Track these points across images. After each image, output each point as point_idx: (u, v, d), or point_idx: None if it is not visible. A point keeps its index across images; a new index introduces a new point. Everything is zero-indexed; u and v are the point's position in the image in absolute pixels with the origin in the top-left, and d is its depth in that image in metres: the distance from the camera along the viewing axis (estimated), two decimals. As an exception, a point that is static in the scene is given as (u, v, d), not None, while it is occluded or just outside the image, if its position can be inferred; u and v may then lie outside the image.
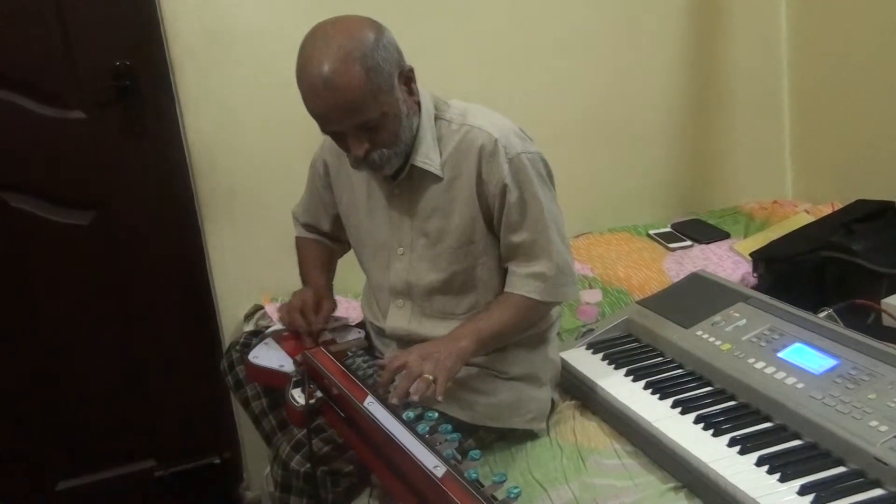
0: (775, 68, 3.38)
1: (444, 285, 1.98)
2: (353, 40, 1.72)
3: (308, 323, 2.05)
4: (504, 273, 1.99)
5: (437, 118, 1.93)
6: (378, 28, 1.78)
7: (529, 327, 2.01)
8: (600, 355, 2.25)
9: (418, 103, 1.90)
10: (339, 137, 1.82)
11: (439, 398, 1.70)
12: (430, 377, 1.71)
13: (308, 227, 2.28)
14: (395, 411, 1.59)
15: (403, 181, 1.95)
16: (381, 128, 1.79)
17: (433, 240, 1.96)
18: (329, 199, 2.18)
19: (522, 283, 1.92)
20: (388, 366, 1.75)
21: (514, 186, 1.87)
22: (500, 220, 1.91)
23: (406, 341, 2.05)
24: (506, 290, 1.95)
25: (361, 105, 1.73)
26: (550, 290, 1.93)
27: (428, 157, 1.90)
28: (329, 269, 2.27)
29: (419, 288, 2.00)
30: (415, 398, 1.66)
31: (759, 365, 1.96)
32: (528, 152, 1.90)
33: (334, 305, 2.16)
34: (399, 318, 2.05)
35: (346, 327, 2.20)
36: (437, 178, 1.92)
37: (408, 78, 1.85)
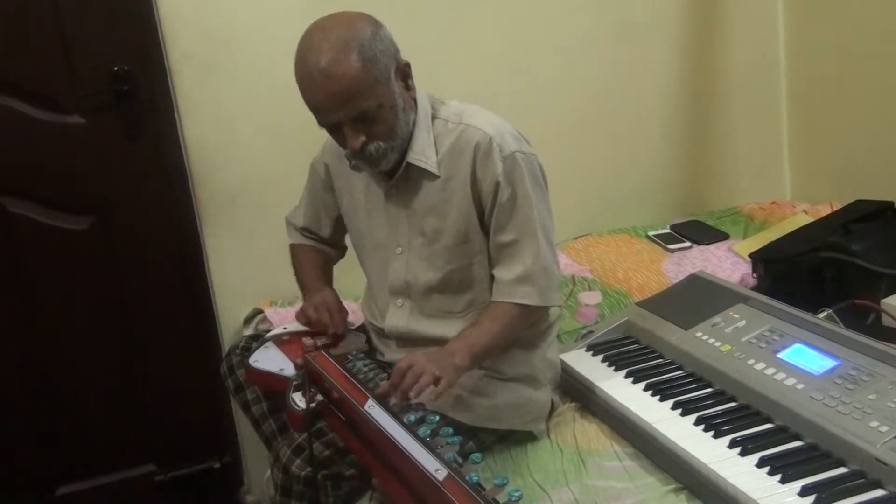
0: (773, 69, 3.38)
1: (442, 284, 1.99)
2: (350, 32, 1.76)
3: (335, 324, 2.06)
4: None
5: (433, 117, 1.95)
6: (375, 22, 1.82)
7: (520, 335, 2.00)
8: (600, 357, 2.25)
9: (415, 99, 1.92)
10: (335, 131, 1.84)
11: (434, 398, 1.70)
12: (437, 372, 1.71)
13: (306, 231, 2.28)
14: (396, 415, 1.59)
15: (400, 180, 1.96)
16: (377, 119, 1.80)
17: (430, 238, 1.97)
18: (331, 201, 2.19)
19: (508, 290, 1.91)
20: (397, 366, 1.74)
21: (507, 185, 1.88)
22: (491, 216, 1.91)
23: (405, 340, 2.06)
24: (493, 298, 1.94)
25: (357, 94, 1.75)
26: (537, 294, 1.92)
27: (424, 154, 1.91)
28: (328, 275, 2.27)
29: (417, 287, 2.01)
30: (414, 394, 1.67)
31: (760, 366, 1.96)
32: (523, 152, 1.91)
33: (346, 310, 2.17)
34: (398, 317, 2.05)
35: (346, 331, 2.20)
36: (434, 177, 1.93)
37: (404, 73, 1.87)
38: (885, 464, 1.59)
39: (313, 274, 2.23)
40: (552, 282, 1.96)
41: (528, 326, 2.01)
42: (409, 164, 1.92)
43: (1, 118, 2.56)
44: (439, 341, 1.99)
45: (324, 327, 2.07)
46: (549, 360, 2.10)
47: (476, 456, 1.47)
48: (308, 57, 1.75)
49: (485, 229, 1.95)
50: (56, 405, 2.78)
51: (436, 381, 1.71)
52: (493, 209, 1.90)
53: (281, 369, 2.00)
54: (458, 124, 1.93)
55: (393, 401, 1.67)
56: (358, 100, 1.75)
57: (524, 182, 1.89)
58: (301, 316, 2.12)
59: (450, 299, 2.01)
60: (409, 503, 1.49)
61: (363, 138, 1.80)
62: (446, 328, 2.00)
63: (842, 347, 1.92)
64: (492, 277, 1.97)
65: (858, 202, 2.79)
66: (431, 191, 1.94)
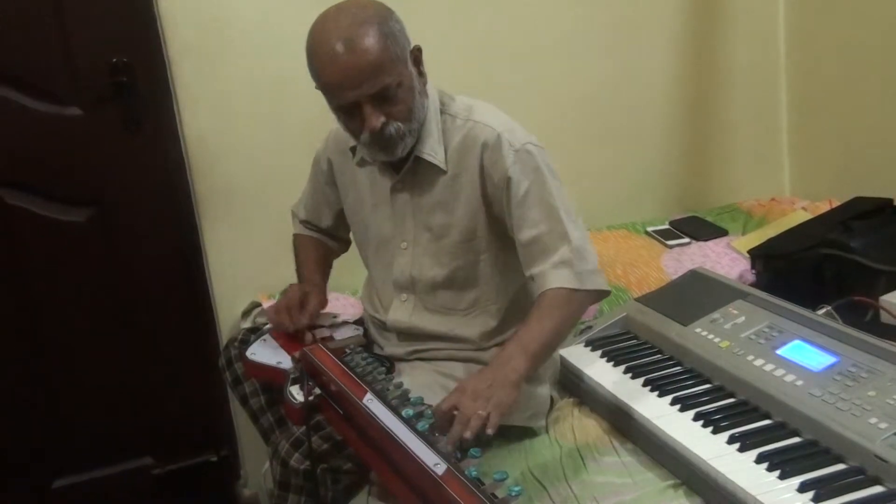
0: (773, 65, 3.38)
1: (447, 280, 1.98)
2: (366, 12, 1.76)
3: (293, 321, 2.04)
4: (505, 267, 1.98)
5: (442, 112, 1.94)
6: (387, 6, 1.82)
7: (573, 326, 1.94)
8: (599, 352, 2.24)
9: (426, 86, 1.91)
10: (352, 113, 1.81)
11: (489, 431, 1.59)
12: (483, 413, 1.58)
13: (307, 224, 2.28)
14: (394, 408, 1.58)
15: (407, 175, 1.95)
16: (397, 99, 1.79)
17: (437, 234, 1.96)
18: (333, 195, 2.18)
19: (550, 278, 1.85)
20: (440, 408, 1.62)
21: (523, 177, 1.86)
22: (511, 215, 1.89)
23: (407, 334, 2.06)
24: (536, 293, 1.86)
25: (381, 69, 1.74)
26: (575, 278, 1.85)
27: (433, 149, 1.91)
28: (325, 267, 2.27)
29: (422, 282, 2.00)
30: (468, 435, 1.55)
31: (759, 362, 1.95)
32: (535, 144, 1.90)
33: (323, 302, 2.15)
34: (402, 312, 2.05)
35: (344, 324, 2.20)
36: (441, 172, 1.92)
37: (416, 57, 1.86)
38: (885, 460, 1.58)
39: (308, 266, 2.23)
40: (589, 264, 1.89)
41: (579, 314, 1.92)
42: (417, 159, 1.92)
43: (0, 109, 2.55)
44: (442, 337, 2.00)
45: (284, 328, 2.06)
46: (548, 356, 2.09)
47: (475, 451, 1.46)
48: (327, 37, 1.74)
49: (494, 227, 1.94)
50: (53, 397, 2.78)
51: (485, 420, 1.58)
52: (510, 206, 1.88)
53: (278, 362, 2.00)
54: (467, 121, 1.92)
55: (450, 448, 1.48)
56: (381, 75, 1.74)
57: (541, 172, 1.88)
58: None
59: (454, 296, 2.00)
60: (408, 497, 1.48)
61: (383, 118, 1.79)
62: (450, 325, 2.00)
63: (841, 344, 1.92)
64: (503, 269, 1.96)
65: (858, 199, 2.79)
66: (439, 186, 1.94)
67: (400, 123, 1.81)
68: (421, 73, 1.88)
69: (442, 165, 1.91)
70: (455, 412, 1.60)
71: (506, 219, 1.91)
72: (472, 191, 1.91)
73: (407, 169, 1.94)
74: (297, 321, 2.05)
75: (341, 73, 1.74)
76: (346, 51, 1.72)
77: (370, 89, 1.75)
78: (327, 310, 2.19)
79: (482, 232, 1.94)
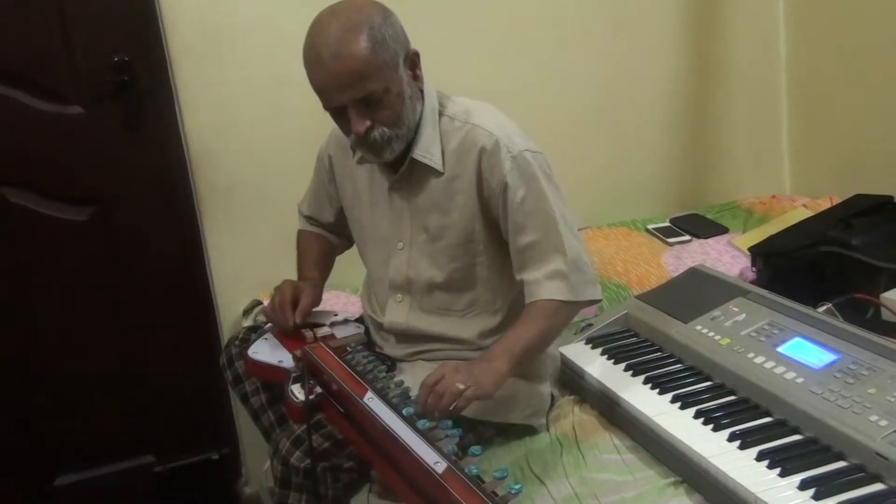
0: (774, 62, 3.38)
1: (444, 282, 1.98)
2: (360, 15, 1.76)
3: (286, 320, 2.05)
4: (503, 269, 1.98)
5: (440, 114, 1.93)
6: (385, 9, 1.82)
7: (558, 334, 1.98)
8: (599, 350, 2.24)
9: (422, 91, 1.90)
10: (340, 115, 1.82)
11: (461, 403, 1.66)
12: (462, 386, 1.67)
13: (311, 219, 2.29)
14: (395, 407, 1.59)
15: (404, 175, 1.95)
16: (383, 104, 1.79)
17: (434, 236, 1.96)
18: (333, 192, 2.19)
19: (541, 288, 1.87)
20: (425, 382, 1.69)
21: (520, 184, 1.86)
22: (506, 220, 1.89)
23: (404, 336, 2.06)
24: (527, 300, 1.89)
25: (364, 76, 1.74)
26: (572, 289, 1.87)
27: (429, 151, 1.90)
28: (325, 264, 2.27)
29: (418, 284, 2.00)
30: (443, 403, 1.63)
31: (759, 360, 1.95)
32: (532, 150, 1.90)
33: (317, 299, 2.15)
34: (397, 313, 2.05)
35: (345, 322, 2.20)
36: (438, 174, 1.91)
37: (413, 62, 1.86)
38: (885, 458, 1.58)
39: (307, 262, 2.24)
40: (585, 275, 1.91)
41: (567, 322, 1.96)
42: (413, 160, 1.92)
43: (1, 108, 2.55)
44: (439, 339, 2.00)
45: (282, 326, 2.07)
46: (549, 354, 2.09)
47: (475, 449, 1.47)
48: (317, 39, 1.75)
49: (491, 230, 1.94)
50: (54, 395, 2.78)
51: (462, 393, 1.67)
52: (506, 212, 1.88)
53: (280, 361, 2.00)
54: (465, 123, 1.91)
55: (419, 409, 1.61)
56: (365, 81, 1.74)
57: (538, 180, 1.88)
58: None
59: (452, 297, 2.00)
60: (409, 495, 1.48)
61: (368, 123, 1.79)
62: (446, 326, 2.00)
63: (841, 341, 1.92)
64: (500, 271, 1.96)
65: (858, 196, 2.79)
66: (436, 188, 1.93)
67: (386, 128, 1.81)
68: (416, 77, 1.88)
69: (438, 167, 1.91)
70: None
71: (501, 223, 1.91)
72: (468, 194, 1.91)
73: (404, 170, 1.94)
74: (289, 319, 2.05)
75: (326, 77, 1.75)
76: (331, 57, 1.73)
77: (355, 94, 1.75)
78: (328, 308, 2.19)
79: (479, 235, 1.94)
